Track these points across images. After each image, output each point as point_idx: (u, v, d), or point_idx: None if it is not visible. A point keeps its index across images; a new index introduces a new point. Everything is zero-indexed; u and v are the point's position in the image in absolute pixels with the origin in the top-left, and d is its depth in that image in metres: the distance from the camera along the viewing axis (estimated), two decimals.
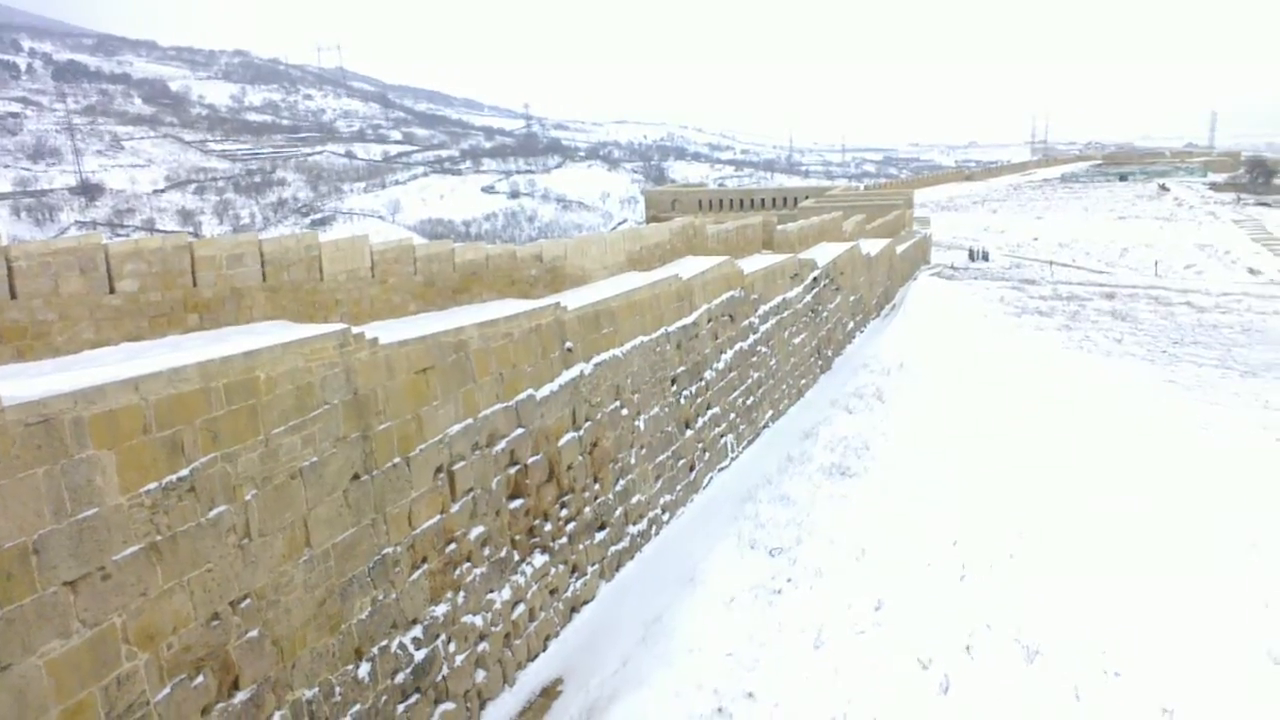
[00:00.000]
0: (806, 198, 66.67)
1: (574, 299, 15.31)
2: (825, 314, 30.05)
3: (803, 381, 27.20)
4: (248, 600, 8.29)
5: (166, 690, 7.45)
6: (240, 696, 8.15)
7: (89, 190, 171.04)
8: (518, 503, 12.68)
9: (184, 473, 7.78)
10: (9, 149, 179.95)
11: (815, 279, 29.04)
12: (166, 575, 7.52)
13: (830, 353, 30.63)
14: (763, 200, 68.32)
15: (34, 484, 6.61)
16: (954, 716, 10.31)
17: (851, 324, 34.33)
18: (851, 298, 34.36)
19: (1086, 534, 15.28)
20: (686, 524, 17.30)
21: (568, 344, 14.34)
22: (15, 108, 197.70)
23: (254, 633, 8.32)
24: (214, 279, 11.23)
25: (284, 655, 8.67)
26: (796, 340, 26.64)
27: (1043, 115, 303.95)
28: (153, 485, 7.49)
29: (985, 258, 61.68)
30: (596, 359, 15.13)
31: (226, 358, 8.31)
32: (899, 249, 47.99)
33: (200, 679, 7.77)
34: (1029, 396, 24.78)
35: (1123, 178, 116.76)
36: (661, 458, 17.39)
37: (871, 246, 40.39)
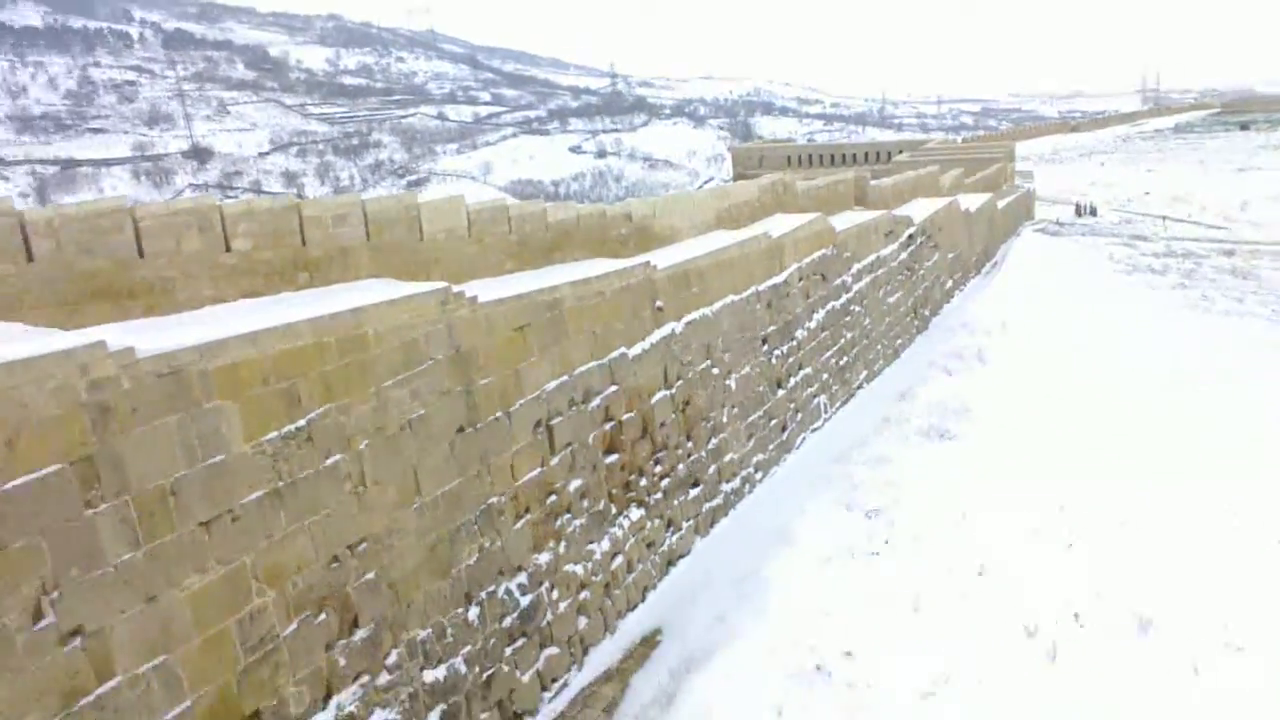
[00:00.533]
0: (900, 152, 64.53)
1: (663, 258, 15.25)
2: (922, 272, 29.16)
3: (898, 342, 26.56)
4: (364, 544, 8.68)
5: (293, 626, 7.90)
6: (359, 634, 8.57)
7: (200, 154, 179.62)
8: (613, 458, 12.84)
9: (301, 423, 8.13)
10: (127, 115, 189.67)
11: (911, 236, 28.16)
12: (289, 519, 7.92)
13: (928, 312, 29.77)
14: (854, 155, 66.44)
15: (168, 430, 7.02)
16: (1061, 685, 10.04)
17: (950, 282, 33.23)
18: (950, 255, 33.22)
19: (1207, 502, 14.53)
20: (780, 483, 17.21)
21: (658, 303, 14.33)
22: (131, 76, 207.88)
23: (371, 575, 8.72)
24: (321, 238, 11.55)
25: (399, 597, 9.07)
26: (892, 299, 25.97)
27: (1154, 62, 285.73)
28: (273, 434, 7.86)
29: (1093, 213, 58.59)
30: (687, 318, 15.10)
31: (336, 314, 8.60)
32: (1000, 204, 46.05)
33: (323, 617, 8.20)
34: (1140, 358, 23.59)
35: (1244, 126, 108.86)
36: (753, 417, 17.30)
37: (970, 202, 38.86)
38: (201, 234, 10.48)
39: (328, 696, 8.22)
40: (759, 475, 17.39)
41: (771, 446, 18.03)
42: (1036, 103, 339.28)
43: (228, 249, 10.60)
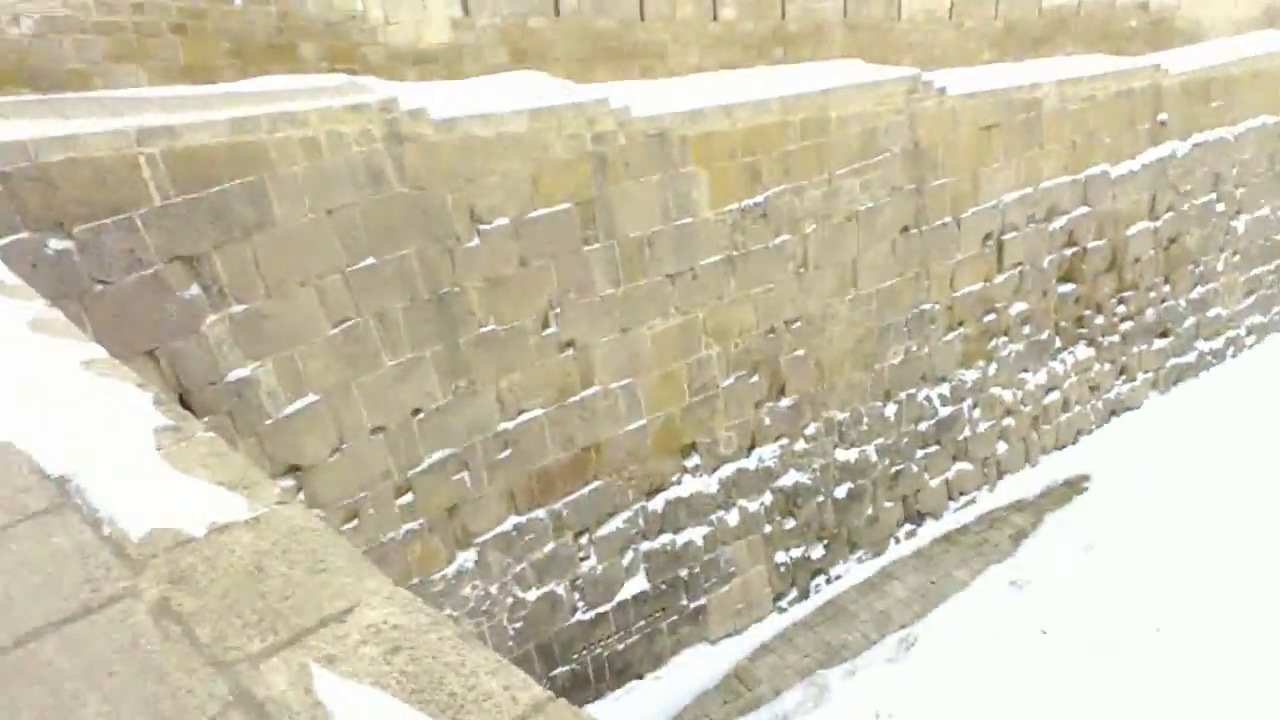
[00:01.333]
0: None
1: (1179, 61, 12.70)
2: None
3: None
4: (798, 323, 9.13)
5: (730, 380, 8.77)
6: (785, 402, 9.26)
7: None
8: (1068, 288, 11.69)
9: (759, 199, 8.51)
10: None
11: None
12: (738, 286, 8.57)
13: None
14: None
15: (650, 188, 7.81)
16: None
17: None
18: None
19: None
20: (1276, 352, 14.34)
21: (1161, 116, 12.16)
22: None
23: (801, 352, 9.23)
24: (799, 13, 11.52)
25: (823, 377, 9.52)
26: None
27: None
28: (734, 206, 8.36)
29: None
30: (1195, 138, 12.72)
31: (803, 94, 8.61)
32: None
33: (755, 378, 8.96)
34: None
35: None
36: (1259, 270, 14.40)
37: None
38: (694, 0, 11.02)
39: (751, 447, 9.15)
40: (1251, 340, 14.65)
41: (1276, 309, 14.95)
42: None
43: (715, 18, 11.04)
